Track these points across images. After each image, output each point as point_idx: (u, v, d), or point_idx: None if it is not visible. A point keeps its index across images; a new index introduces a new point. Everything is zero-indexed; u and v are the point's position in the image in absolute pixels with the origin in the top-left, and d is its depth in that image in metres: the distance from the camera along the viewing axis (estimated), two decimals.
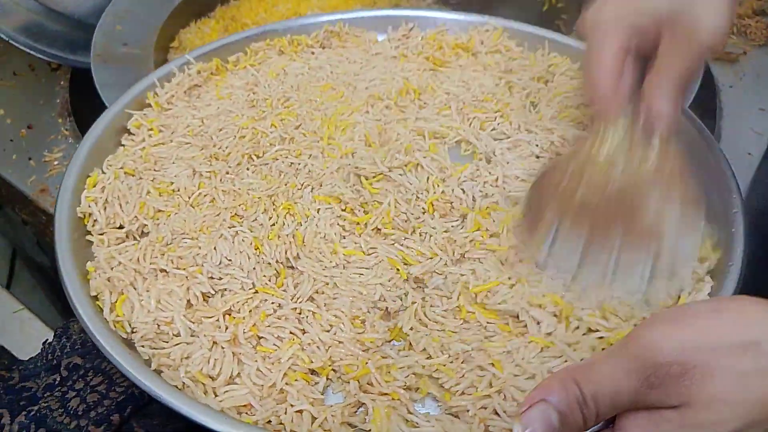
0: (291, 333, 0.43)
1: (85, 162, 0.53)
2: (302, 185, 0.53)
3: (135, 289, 0.45)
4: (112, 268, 0.46)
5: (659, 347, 0.31)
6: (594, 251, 0.43)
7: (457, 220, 0.50)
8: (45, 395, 0.47)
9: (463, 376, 0.40)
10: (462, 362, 0.41)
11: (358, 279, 0.46)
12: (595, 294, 0.42)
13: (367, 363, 0.41)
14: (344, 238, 0.49)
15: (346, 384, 0.41)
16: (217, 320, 0.43)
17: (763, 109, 0.74)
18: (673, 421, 0.31)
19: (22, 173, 0.73)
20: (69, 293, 0.43)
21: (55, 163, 0.73)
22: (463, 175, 0.53)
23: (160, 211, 0.51)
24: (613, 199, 0.43)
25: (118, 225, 0.50)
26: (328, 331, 0.43)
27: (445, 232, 0.49)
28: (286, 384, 0.40)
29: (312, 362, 0.41)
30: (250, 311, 0.44)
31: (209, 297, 0.45)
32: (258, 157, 0.56)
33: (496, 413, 0.37)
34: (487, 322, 0.43)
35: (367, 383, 0.40)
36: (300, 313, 0.44)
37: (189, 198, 0.52)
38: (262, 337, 0.42)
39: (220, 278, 0.46)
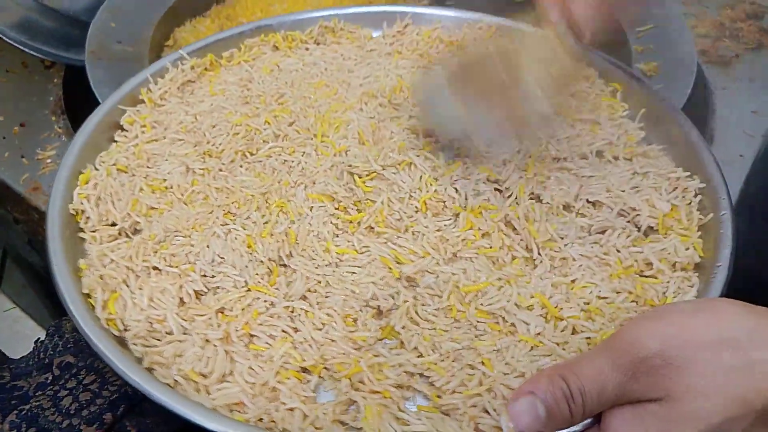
0: (283, 331, 0.43)
1: (77, 158, 0.53)
2: (295, 183, 0.53)
3: (127, 286, 0.45)
4: (104, 266, 0.46)
5: (642, 342, 0.32)
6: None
7: (449, 219, 0.51)
8: (37, 394, 0.47)
9: (454, 374, 0.40)
10: (453, 361, 0.41)
11: (351, 277, 0.46)
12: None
13: (359, 361, 0.41)
14: (337, 236, 0.49)
15: (337, 382, 0.41)
16: (210, 318, 0.43)
17: (755, 111, 0.75)
18: (656, 414, 0.32)
19: (14, 171, 0.72)
20: (61, 290, 0.43)
21: (48, 161, 0.73)
22: (455, 174, 0.53)
23: (152, 208, 0.51)
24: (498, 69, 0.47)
25: (110, 222, 0.50)
26: (320, 329, 0.43)
27: (438, 231, 0.49)
28: (278, 382, 0.40)
29: (304, 360, 0.41)
30: (243, 309, 0.44)
31: (202, 295, 0.45)
32: (251, 154, 0.56)
33: (486, 411, 0.38)
34: (478, 321, 0.43)
35: (359, 381, 0.40)
36: (292, 312, 0.44)
37: (182, 195, 0.52)
38: (254, 336, 0.43)
39: (213, 276, 0.46)
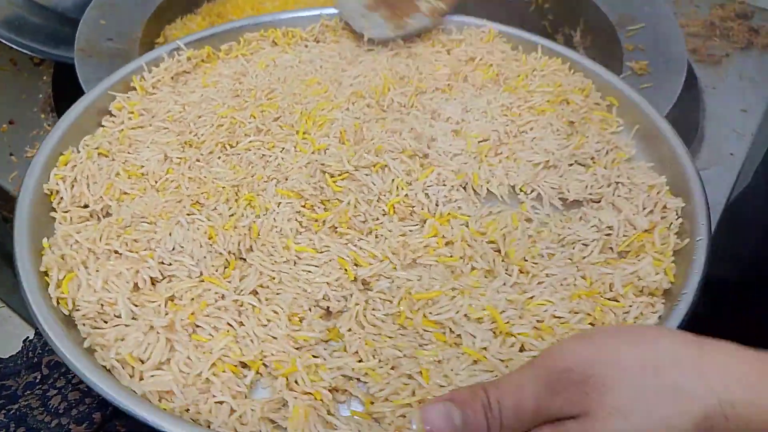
0: (228, 324, 0.43)
1: (60, 140, 0.54)
2: (269, 178, 0.53)
3: (86, 268, 0.46)
4: (68, 246, 0.47)
5: (562, 357, 0.31)
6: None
7: (416, 225, 0.50)
8: (25, 393, 0.47)
9: (389, 382, 0.39)
10: (391, 368, 0.40)
11: (305, 276, 0.46)
12: None
13: (296, 361, 0.40)
14: (300, 233, 0.49)
15: (274, 380, 0.41)
16: (159, 305, 0.44)
17: (745, 110, 0.75)
18: None
19: (3, 169, 0.73)
20: (17, 265, 0.44)
21: None
22: (429, 179, 0.52)
23: (125, 193, 0.52)
24: None
25: (83, 204, 0.51)
26: (264, 325, 0.43)
27: (402, 235, 0.48)
28: (213, 374, 0.40)
29: (243, 355, 0.41)
30: (192, 299, 0.44)
31: (157, 282, 0.46)
32: (231, 146, 0.56)
33: None
34: (424, 330, 0.42)
35: (294, 381, 0.40)
36: (241, 306, 0.44)
37: (156, 182, 0.53)
38: (198, 326, 0.43)
39: (170, 264, 0.46)
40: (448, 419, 0.32)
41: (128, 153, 0.55)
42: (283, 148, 0.56)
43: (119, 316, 0.43)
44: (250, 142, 0.56)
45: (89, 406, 0.46)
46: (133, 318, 0.43)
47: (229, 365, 0.41)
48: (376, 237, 0.49)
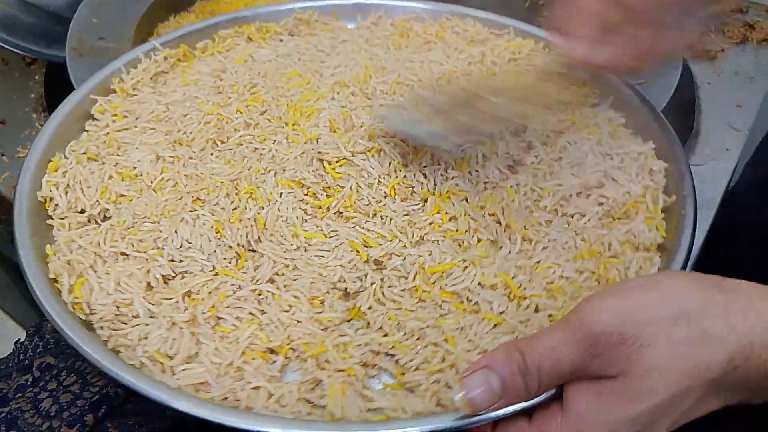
0: (250, 313, 0.43)
1: (47, 146, 0.53)
2: (265, 170, 0.53)
3: (95, 271, 0.45)
4: (71, 251, 0.46)
5: (598, 318, 0.32)
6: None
7: (417, 204, 0.51)
8: (16, 396, 0.47)
9: (418, 352, 0.41)
10: (417, 339, 0.42)
11: (319, 261, 0.47)
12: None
13: (324, 341, 0.41)
14: (306, 221, 0.50)
15: (303, 362, 0.41)
16: (177, 302, 0.44)
17: (740, 105, 0.76)
18: (613, 390, 0.33)
19: None
20: (26, 274, 0.43)
21: None
22: (424, 160, 0.54)
23: (122, 195, 0.51)
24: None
25: (79, 209, 0.50)
26: (286, 311, 0.43)
27: (406, 215, 0.50)
28: (244, 362, 0.40)
29: (270, 341, 0.42)
30: (210, 293, 0.44)
31: (169, 279, 0.46)
32: (222, 142, 0.56)
33: (448, 386, 0.38)
34: (443, 301, 0.44)
35: (324, 361, 0.41)
36: (259, 295, 0.45)
37: (151, 183, 0.52)
38: (221, 318, 0.43)
39: (181, 261, 0.46)
40: (488, 387, 0.33)
41: (118, 155, 0.54)
42: (275, 140, 0.56)
43: (137, 316, 0.43)
44: (241, 136, 0.56)
45: (81, 409, 0.45)
46: (151, 317, 0.43)
47: (258, 352, 0.41)
48: (382, 218, 0.50)
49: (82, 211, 0.50)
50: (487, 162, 0.54)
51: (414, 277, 0.45)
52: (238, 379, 0.40)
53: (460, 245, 0.48)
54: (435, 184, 0.52)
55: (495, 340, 0.41)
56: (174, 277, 0.46)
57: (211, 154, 0.55)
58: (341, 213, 0.50)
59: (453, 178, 0.52)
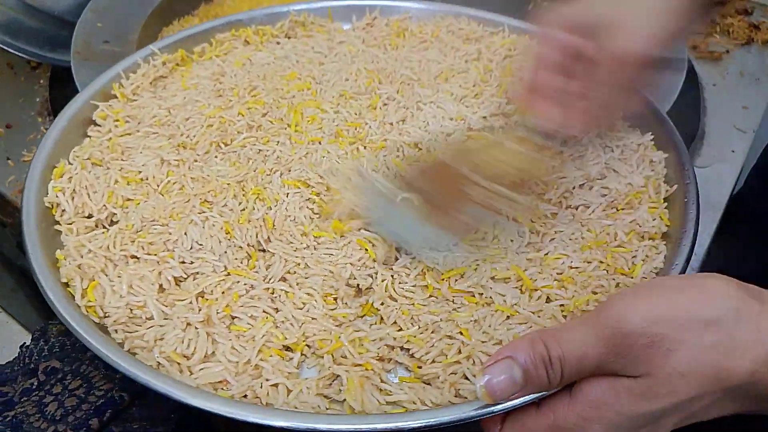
0: (264, 312, 0.43)
1: (51, 153, 0.53)
2: (271, 171, 0.54)
3: (106, 275, 0.45)
4: (82, 256, 0.46)
5: (627, 318, 0.32)
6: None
7: None
8: (22, 400, 0.46)
9: (433, 345, 0.41)
10: (431, 332, 0.42)
11: (329, 259, 0.47)
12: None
13: (339, 337, 0.42)
14: (313, 220, 0.50)
15: (320, 358, 0.42)
16: (190, 302, 0.44)
17: (746, 106, 0.76)
18: (632, 390, 0.32)
19: (0, 173, 0.71)
20: (39, 280, 0.43)
21: None
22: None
23: (129, 199, 0.51)
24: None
25: (86, 214, 0.50)
26: (301, 308, 0.44)
27: None
28: (261, 360, 0.40)
29: (286, 339, 0.42)
30: (223, 293, 0.44)
31: (181, 281, 0.46)
32: (226, 145, 0.57)
33: (466, 378, 0.39)
34: (453, 296, 0.44)
35: (341, 356, 0.41)
36: (273, 293, 0.45)
37: (158, 186, 0.52)
38: (235, 317, 0.43)
39: (192, 262, 0.46)
40: (510, 376, 0.33)
41: (122, 160, 0.54)
42: (278, 142, 0.57)
43: (151, 318, 0.43)
44: (245, 138, 0.57)
45: (86, 413, 0.45)
46: (165, 318, 0.43)
47: (274, 350, 0.41)
48: None
49: (90, 216, 0.50)
50: None
51: (424, 275, 0.45)
52: (256, 376, 0.40)
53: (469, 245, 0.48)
54: None
55: (509, 331, 0.41)
56: (186, 278, 0.46)
57: (216, 156, 0.55)
58: None
59: None
